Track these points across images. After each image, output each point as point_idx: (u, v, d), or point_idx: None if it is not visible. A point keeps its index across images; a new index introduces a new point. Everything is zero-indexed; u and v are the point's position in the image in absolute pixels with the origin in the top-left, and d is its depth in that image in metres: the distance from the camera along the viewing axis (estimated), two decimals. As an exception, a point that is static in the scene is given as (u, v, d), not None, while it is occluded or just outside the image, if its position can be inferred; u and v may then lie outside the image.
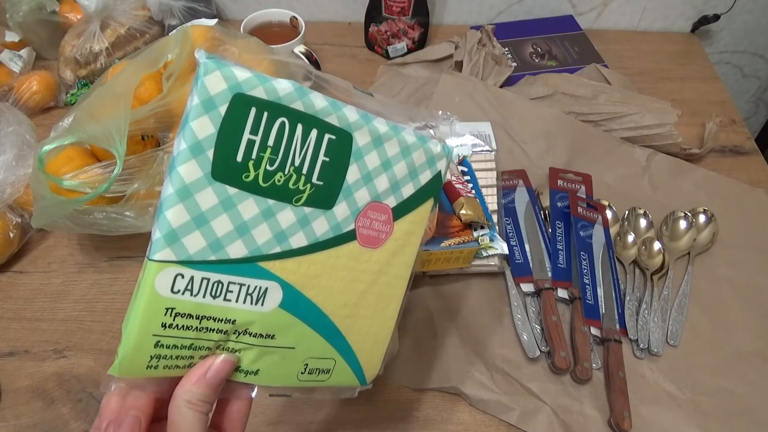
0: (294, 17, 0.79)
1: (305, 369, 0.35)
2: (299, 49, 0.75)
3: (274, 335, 0.33)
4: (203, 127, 0.29)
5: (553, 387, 0.53)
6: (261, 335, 0.32)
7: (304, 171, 0.32)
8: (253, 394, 0.34)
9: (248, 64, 0.31)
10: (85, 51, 0.76)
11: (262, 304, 0.32)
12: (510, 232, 0.63)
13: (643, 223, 0.64)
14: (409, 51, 0.86)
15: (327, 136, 0.32)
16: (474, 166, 0.62)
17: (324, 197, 0.33)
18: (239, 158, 0.30)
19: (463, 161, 0.62)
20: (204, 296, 0.30)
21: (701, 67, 0.88)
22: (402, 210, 0.37)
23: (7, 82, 0.76)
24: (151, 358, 0.29)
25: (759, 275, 0.61)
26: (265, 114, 0.30)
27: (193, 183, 0.29)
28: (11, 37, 0.81)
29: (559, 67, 0.82)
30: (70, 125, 0.58)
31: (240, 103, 0.29)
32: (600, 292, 0.58)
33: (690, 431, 0.51)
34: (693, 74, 0.86)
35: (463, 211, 0.55)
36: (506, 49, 0.85)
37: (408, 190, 0.37)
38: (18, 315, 0.58)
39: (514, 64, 0.82)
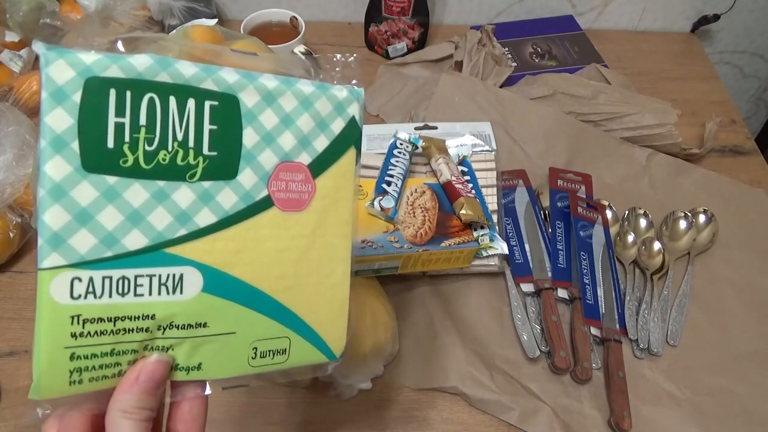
0: (294, 17, 0.79)
1: (255, 353, 0.32)
2: (299, 49, 0.75)
3: (205, 323, 0.30)
4: (60, 120, 0.26)
5: (553, 387, 0.53)
6: (190, 325, 0.30)
7: (191, 144, 0.30)
8: (207, 391, 0.32)
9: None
10: (85, 51, 0.76)
11: (182, 292, 0.30)
12: (510, 232, 0.63)
13: (643, 223, 0.64)
14: (409, 51, 0.86)
15: (208, 103, 0.30)
16: (474, 166, 0.62)
17: (222, 167, 0.31)
18: (111, 144, 0.27)
19: (463, 161, 0.62)
20: (110, 296, 0.28)
21: (701, 67, 0.88)
22: (320, 165, 0.34)
23: (7, 82, 0.76)
24: (71, 372, 0.27)
25: (759, 275, 0.61)
26: (129, 93, 0.28)
27: (65, 180, 0.26)
28: (11, 37, 0.81)
29: (559, 67, 0.82)
30: (70, 125, 0.58)
31: (95, 87, 0.27)
32: (600, 292, 0.58)
33: (690, 431, 0.51)
34: (693, 74, 0.86)
35: (463, 211, 0.55)
36: (506, 49, 0.85)
37: (321, 143, 0.34)
38: (18, 315, 0.58)
39: (514, 64, 0.82)
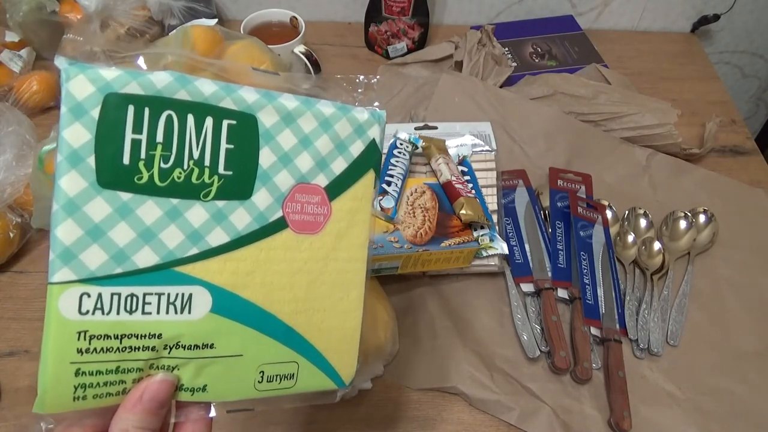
0: (294, 17, 0.79)
1: (262, 377, 0.32)
2: (299, 49, 0.75)
3: (212, 344, 0.30)
4: (77, 135, 0.27)
5: (553, 387, 0.53)
6: (197, 346, 0.29)
7: (207, 163, 0.29)
8: (211, 414, 0.31)
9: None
10: (85, 51, 0.76)
11: (189, 312, 0.29)
12: (510, 232, 0.63)
13: (643, 223, 0.64)
14: (409, 51, 0.86)
15: (226, 122, 0.30)
16: (474, 166, 0.62)
17: (237, 187, 0.30)
18: (126, 161, 0.27)
19: (463, 161, 0.62)
20: (118, 313, 0.28)
21: (701, 67, 0.88)
22: (337, 188, 0.33)
23: (7, 82, 0.76)
24: (76, 388, 0.27)
25: (759, 275, 0.61)
26: (147, 110, 0.28)
27: (79, 195, 0.26)
28: (11, 37, 0.81)
29: (559, 67, 0.82)
30: (70, 125, 0.58)
31: (114, 103, 0.27)
32: (600, 292, 0.58)
33: (690, 431, 0.51)
34: (693, 74, 0.86)
35: (463, 211, 0.55)
36: (506, 49, 0.85)
37: (339, 166, 0.33)
38: (18, 315, 0.58)
39: (514, 64, 0.82)
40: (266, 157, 0.31)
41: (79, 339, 0.27)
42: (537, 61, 0.84)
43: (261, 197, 0.31)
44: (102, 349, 0.27)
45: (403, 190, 0.57)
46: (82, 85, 0.27)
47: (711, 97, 0.82)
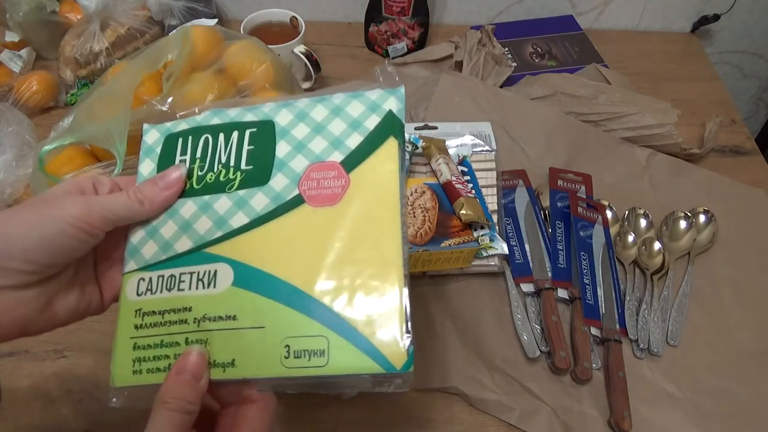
0: (294, 17, 0.79)
1: (288, 352, 0.30)
2: (299, 49, 0.75)
3: (235, 315, 0.32)
4: (147, 167, 0.37)
5: (553, 387, 0.53)
6: (220, 317, 0.32)
7: (232, 163, 0.35)
8: (256, 390, 0.31)
9: None
10: (85, 51, 0.76)
11: (215, 286, 0.33)
12: (510, 232, 0.63)
13: (643, 223, 0.64)
14: (409, 51, 0.86)
15: (248, 131, 0.36)
16: (474, 166, 0.62)
17: (256, 176, 0.35)
18: None
19: (463, 161, 0.62)
20: (161, 291, 0.33)
21: (701, 67, 0.88)
22: (355, 159, 0.34)
23: (7, 82, 0.76)
24: (134, 362, 0.32)
25: (759, 275, 0.61)
26: (190, 138, 0.37)
27: None
28: (11, 37, 0.81)
29: (559, 67, 0.82)
30: (70, 125, 0.58)
31: (170, 139, 0.37)
32: (600, 292, 0.58)
33: (690, 431, 0.51)
34: (693, 74, 0.86)
35: (463, 211, 0.55)
36: (506, 49, 0.85)
37: (354, 141, 0.35)
38: (18, 315, 0.58)
39: (514, 64, 0.82)
40: (282, 149, 0.35)
41: (136, 316, 0.33)
42: (537, 61, 0.84)
43: (278, 181, 0.34)
44: (151, 324, 0.33)
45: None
46: (153, 135, 0.38)
47: (711, 97, 0.82)
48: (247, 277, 0.32)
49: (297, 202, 0.34)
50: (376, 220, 0.33)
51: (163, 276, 0.34)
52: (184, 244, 0.34)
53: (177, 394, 0.29)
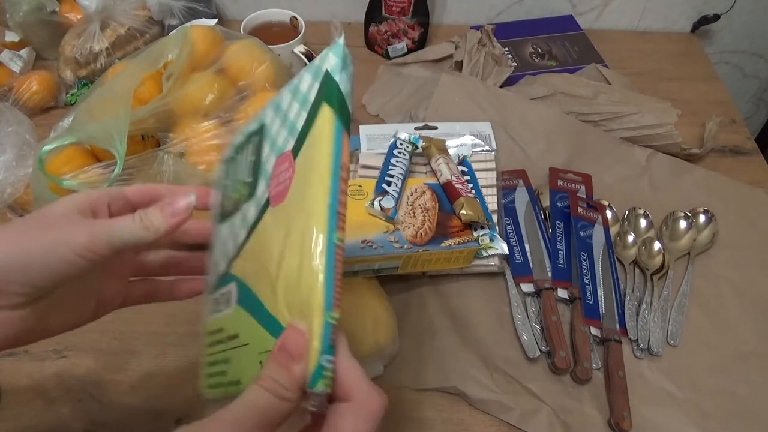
0: (294, 17, 0.79)
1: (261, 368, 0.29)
2: (299, 49, 0.75)
3: (237, 335, 0.32)
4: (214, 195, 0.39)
5: (553, 387, 0.53)
6: (230, 336, 0.32)
7: (244, 179, 0.36)
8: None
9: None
10: (85, 51, 0.76)
11: (229, 306, 0.33)
12: (510, 232, 0.63)
13: (643, 223, 0.64)
14: (409, 51, 0.86)
15: (253, 140, 0.36)
16: (474, 166, 0.62)
17: (251, 188, 0.34)
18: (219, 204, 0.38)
19: (463, 161, 0.62)
20: (212, 313, 0.36)
21: (701, 67, 0.88)
22: (299, 142, 0.29)
23: (7, 82, 0.76)
24: (207, 377, 0.35)
25: (759, 275, 0.61)
26: (224, 166, 0.40)
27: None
28: (11, 37, 0.81)
29: (559, 67, 0.82)
30: (70, 125, 0.58)
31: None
32: (600, 292, 0.58)
33: (690, 431, 0.51)
34: (693, 74, 0.86)
35: (463, 211, 0.55)
36: (506, 49, 0.85)
37: (301, 120, 0.29)
38: (18, 315, 0.58)
39: (514, 64, 0.82)
40: (265, 151, 0.33)
41: (205, 336, 0.36)
42: (537, 61, 0.84)
43: (260, 187, 0.33)
44: (209, 343, 0.35)
45: (403, 190, 0.57)
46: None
47: (711, 97, 0.82)
48: (243, 294, 0.32)
49: (266, 205, 0.31)
50: (301, 220, 0.27)
51: (216, 299, 0.35)
52: (222, 266, 0.36)
53: (272, 372, 0.26)
